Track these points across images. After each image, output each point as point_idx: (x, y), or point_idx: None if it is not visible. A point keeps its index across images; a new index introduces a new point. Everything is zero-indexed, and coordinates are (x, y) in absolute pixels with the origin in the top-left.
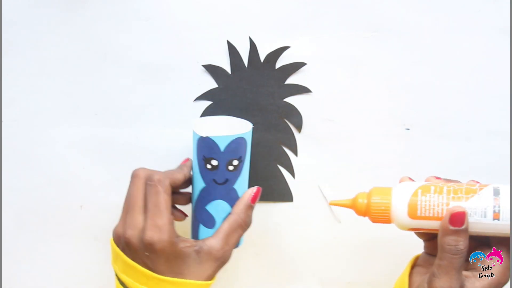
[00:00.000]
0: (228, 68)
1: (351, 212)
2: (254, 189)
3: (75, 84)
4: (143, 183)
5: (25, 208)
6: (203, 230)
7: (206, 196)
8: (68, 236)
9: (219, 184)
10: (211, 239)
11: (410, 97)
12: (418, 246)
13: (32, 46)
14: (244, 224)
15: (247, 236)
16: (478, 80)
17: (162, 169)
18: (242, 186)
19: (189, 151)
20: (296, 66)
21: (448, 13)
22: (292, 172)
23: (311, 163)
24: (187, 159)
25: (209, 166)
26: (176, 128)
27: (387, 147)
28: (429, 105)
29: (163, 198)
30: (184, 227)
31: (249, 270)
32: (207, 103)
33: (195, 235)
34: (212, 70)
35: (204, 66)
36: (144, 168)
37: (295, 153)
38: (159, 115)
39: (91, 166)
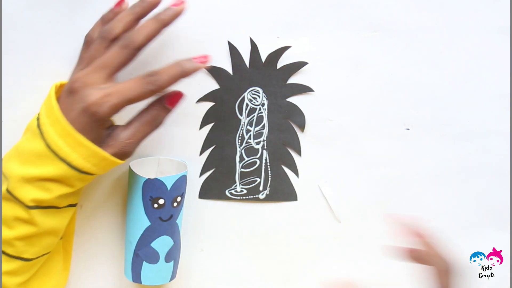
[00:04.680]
0: (229, 69)
1: (352, 212)
2: (174, 92)
3: None
4: None
5: None
6: (147, 267)
7: (151, 234)
8: None
9: (164, 221)
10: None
11: (410, 97)
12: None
13: (32, 46)
14: (154, 124)
15: (247, 235)
16: (478, 80)
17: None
18: (180, 219)
19: (191, 152)
20: (297, 66)
21: (448, 13)
22: (296, 172)
23: (314, 162)
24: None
25: (156, 205)
26: (178, 129)
27: (387, 147)
28: (429, 105)
29: None
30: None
31: (249, 270)
32: (210, 104)
33: (136, 272)
34: (213, 71)
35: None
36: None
37: (299, 153)
38: None
39: None
